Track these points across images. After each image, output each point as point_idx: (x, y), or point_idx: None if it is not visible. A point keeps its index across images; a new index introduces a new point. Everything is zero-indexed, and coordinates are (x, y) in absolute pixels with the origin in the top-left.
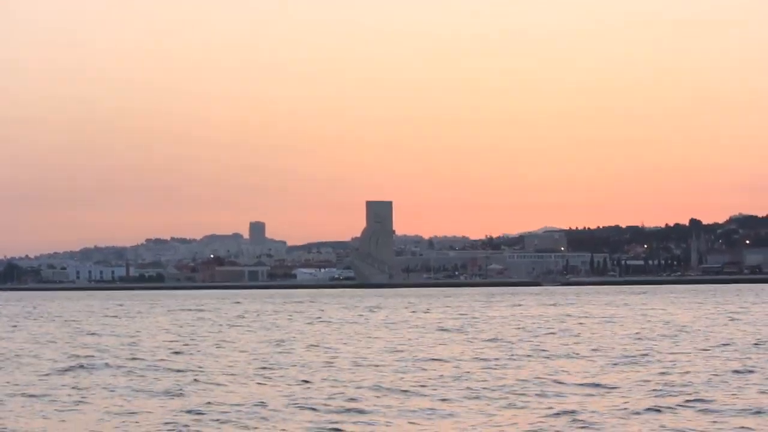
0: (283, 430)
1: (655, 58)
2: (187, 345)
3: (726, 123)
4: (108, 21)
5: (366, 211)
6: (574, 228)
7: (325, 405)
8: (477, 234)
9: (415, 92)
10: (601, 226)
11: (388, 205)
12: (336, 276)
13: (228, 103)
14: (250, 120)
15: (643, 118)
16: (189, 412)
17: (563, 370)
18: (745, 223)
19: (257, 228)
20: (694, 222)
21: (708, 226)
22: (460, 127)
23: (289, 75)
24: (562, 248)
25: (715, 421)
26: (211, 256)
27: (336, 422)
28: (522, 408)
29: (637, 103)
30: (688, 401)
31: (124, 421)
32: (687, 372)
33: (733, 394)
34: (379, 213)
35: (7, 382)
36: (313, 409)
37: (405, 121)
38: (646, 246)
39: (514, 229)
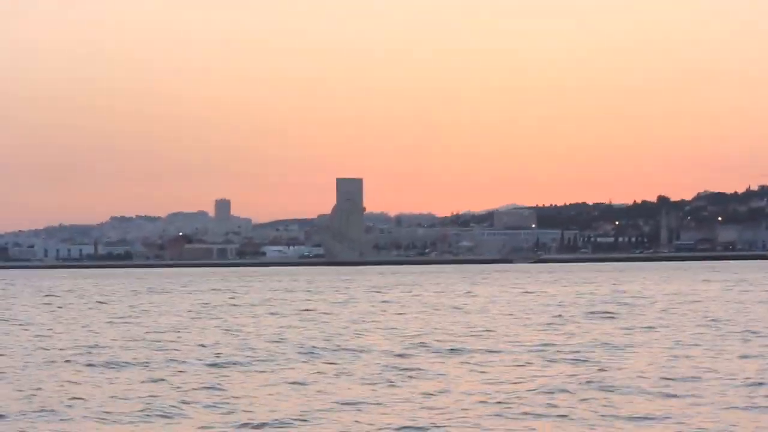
0: None
1: (621, 35)
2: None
3: (691, 99)
4: None
5: (336, 188)
6: (541, 205)
7: None
8: (442, 211)
9: (380, 68)
10: (568, 203)
11: (359, 182)
12: (306, 254)
13: (193, 79)
14: (214, 96)
15: (608, 94)
16: None
17: None
18: (712, 200)
19: (222, 205)
20: (662, 199)
21: (676, 203)
22: (425, 102)
23: (256, 50)
24: (533, 225)
25: None
26: (180, 234)
27: None
28: None
29: (603, 80)
30: None
31: None
32: None
33: None
34: (350, 190)
35: None
36: None
37: (368, 96)
38: (617, 223)
39: (478, 206)
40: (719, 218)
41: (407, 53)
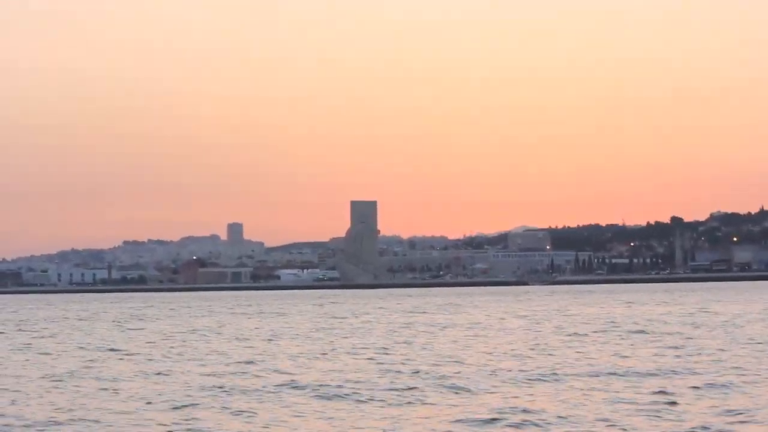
0: None
1: (633, 53)
2: None
3: (702, 119)
4: (86, 16)
5: (350, 211)
6: (553, 227)
7: None
8: (454, 233)
9: (394, 91)
10: (581, 225)
11: (373, 204)
12: (320, 276)
13: (205, 102)
14: (226, 119)
15: (620, 114)
16: None
17: None
18: (726, 220)
19: (235, 229)
20: (676, 220)
21: (689, 223)
22: (436, 124)
23: (270, 73)
24: (548, 247)
25: None
26: (194, 258)
27: None
28: None
29: (614, 99)
30: None
31: None
32: None
33: None
34: (364, 213)
35: None
36: None
37: (378, 119)
38: (632, 244)
39: (490, 229)
40: (734, 238)
41: (421, 76)
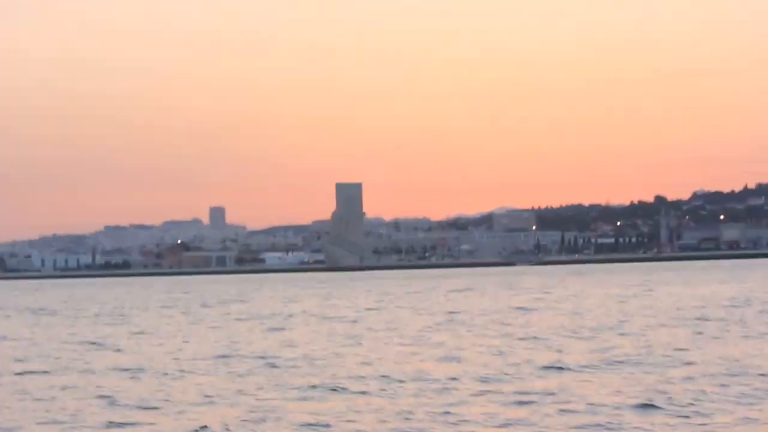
0: None
1: (614, 32)
2: None
3: (685, 98)
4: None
5: (336, 193)
6: (536, 207)
7: None
8: (436, 214)
9: (373, 71)
10: (564, 205)
11: (358, 187)
12: (305, 260)
13: (185, 85)
14: (205, 103)
15: (601, 95)
16: None
17: None
18: (710, 199)
19: (217, 213)
20: (660, 199)
21: (673, 202)
22: (419, 105)
23: (251, 57)
24: (534, 227)
25: None
26: (179, 241)
27: None
28: None
29: (598, 80)
30: None
31: None
32: None
33: None
34: (349, 195)
35: None
36: None
37: (360, 101)
38: (618, 224)
39: (472, 210)
40: (721, 217)
41: (404, 57)
